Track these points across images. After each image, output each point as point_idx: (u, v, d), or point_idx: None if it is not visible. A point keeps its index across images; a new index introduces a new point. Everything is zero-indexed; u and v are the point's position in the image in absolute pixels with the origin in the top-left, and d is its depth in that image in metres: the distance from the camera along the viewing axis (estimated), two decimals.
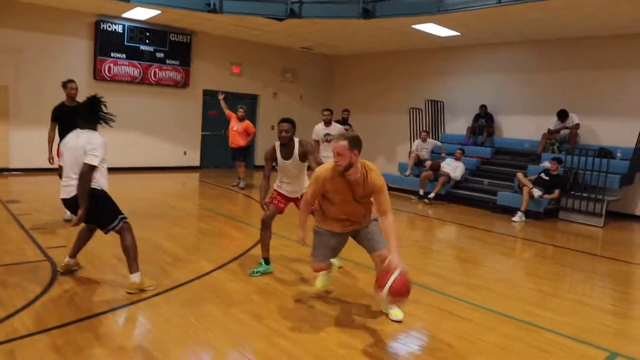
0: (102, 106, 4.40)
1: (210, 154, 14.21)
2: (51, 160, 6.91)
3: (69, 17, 11.41)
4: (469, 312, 4.34)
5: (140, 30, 12.31)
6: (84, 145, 4.19)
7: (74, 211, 4.32)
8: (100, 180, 4.34)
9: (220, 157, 13.93)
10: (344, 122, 10.74)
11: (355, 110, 12.89)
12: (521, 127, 11.74)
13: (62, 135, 6.87)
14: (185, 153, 13.77)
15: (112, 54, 11.95)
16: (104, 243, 6.05)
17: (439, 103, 13.24)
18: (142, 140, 12.80)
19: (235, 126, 10.66)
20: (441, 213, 9.72)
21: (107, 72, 11.91)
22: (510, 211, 9.44)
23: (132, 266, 4.32)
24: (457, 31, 10.95)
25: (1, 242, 5.66)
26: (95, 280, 4.64)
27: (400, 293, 3.44)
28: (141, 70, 12.45)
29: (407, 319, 4.08)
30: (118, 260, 5.31)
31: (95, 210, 4.22)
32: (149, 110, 12.85)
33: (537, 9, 8.65)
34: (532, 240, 7.93)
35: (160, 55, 12.68)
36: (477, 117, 12.28)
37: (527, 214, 9.23)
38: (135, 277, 4.31)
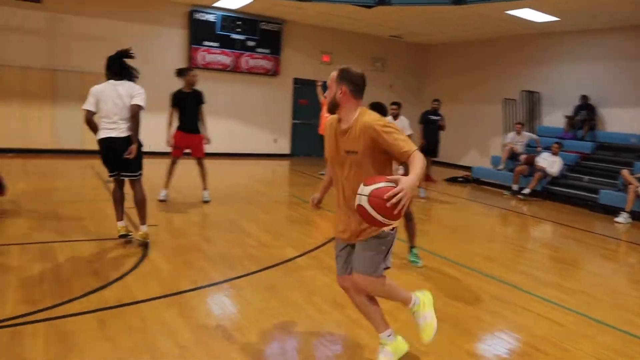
0: (127, 59, 4.84)
1: (301, 142, 14.37)
2: (169, 143, 7.09)
3: (164, 8, 11.95)
4: (562, 317, 4.03)
5: (232, 19, 12.63)
6: (127, 92, 4.74)
7: (116, 152, 4.75)
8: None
9: (311, 145, 13.95)
10: (434, 112, 10.47)
11: (446, 101, 12.47)
12: (627, 120, 10.83)
13: (182, 120, 7.11)
14: (275, 141, 14.04)
15: (205, 43, 12.38)
16: (194, 225, 6.30)
17: (535, 94, 12.53)
18: (234, 127, 13.19)
19: (326, 113, 10.77)
20: (536, 210, 9.20)
21: (201, 60, 12.36)
22: (612, 211, 8.73)
23: (144, 218, 5.12)
24: (555, 16, 10.28)
25: (100, 218, 6.02)
26: (182, 260, 4.81)
27: (376, 204, 2.47)
28: (233, 59, 12.80)
29: (493, 319, 3.87)
30: (206, 242, 5.50)
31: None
32: (240, 98, 13.21)
33: None
34: (638, 244, 7.29)
35: (251, 43, 12.96)
36: (577, 109, 11.49)
37: (633, 215, 8.49)
38: (145, 228, 5.12)
